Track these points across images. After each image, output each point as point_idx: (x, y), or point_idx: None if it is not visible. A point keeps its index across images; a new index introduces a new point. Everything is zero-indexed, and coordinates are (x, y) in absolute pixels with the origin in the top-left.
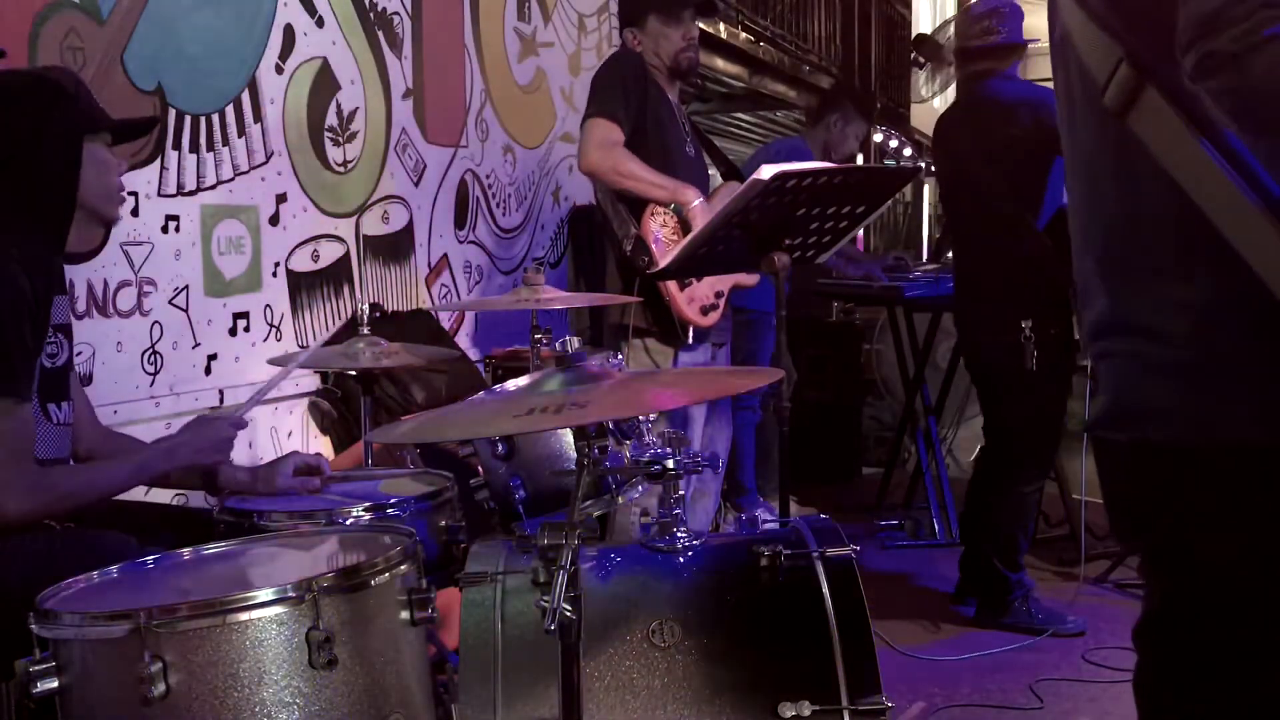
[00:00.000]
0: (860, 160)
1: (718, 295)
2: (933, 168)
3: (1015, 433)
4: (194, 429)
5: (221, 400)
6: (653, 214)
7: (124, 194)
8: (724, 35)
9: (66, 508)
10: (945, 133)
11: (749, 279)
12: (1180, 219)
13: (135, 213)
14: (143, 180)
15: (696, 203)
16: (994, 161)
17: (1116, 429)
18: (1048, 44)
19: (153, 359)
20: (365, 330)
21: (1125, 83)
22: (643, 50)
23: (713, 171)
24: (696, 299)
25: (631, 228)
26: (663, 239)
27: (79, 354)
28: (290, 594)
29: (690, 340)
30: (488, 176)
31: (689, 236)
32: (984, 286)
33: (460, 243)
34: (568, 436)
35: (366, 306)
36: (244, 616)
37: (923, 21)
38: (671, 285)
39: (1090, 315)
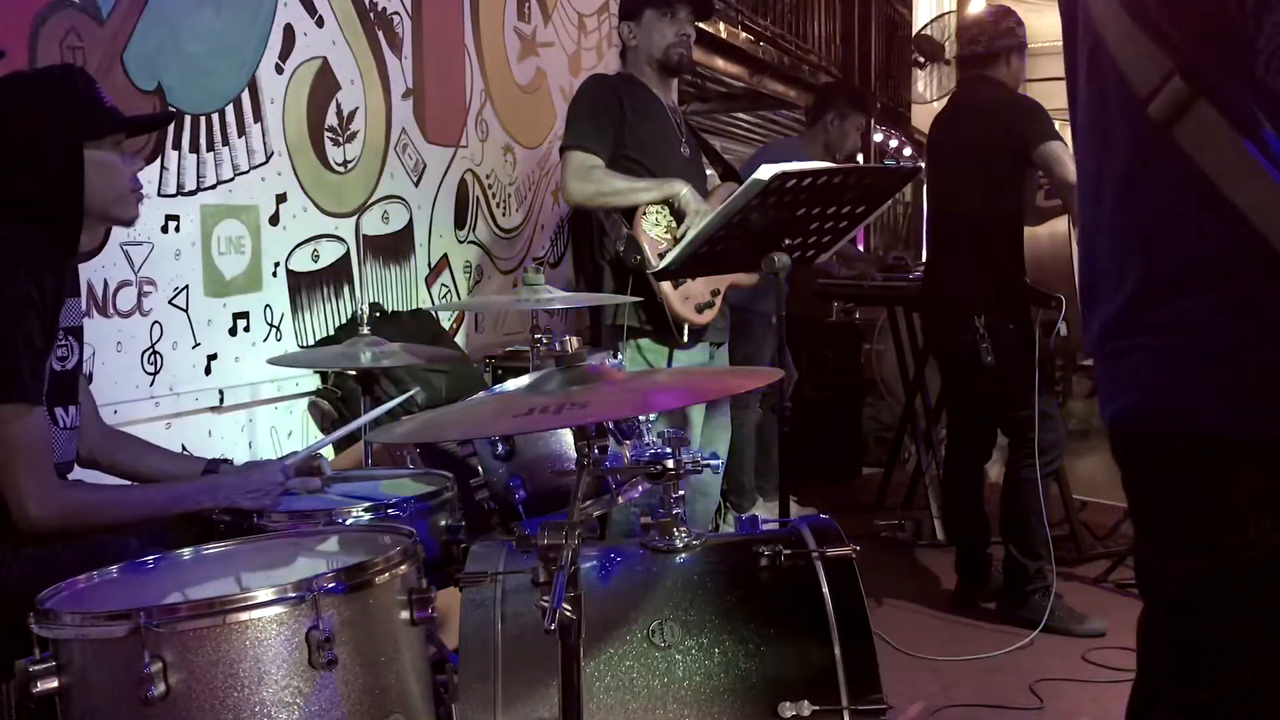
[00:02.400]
0: (860, 160)
1: (714, 293)
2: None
3: (984, 424)
4: (242, 472)
5: (221, 400)
6: (644, 213)
7: (141, 192)
8: (724, 35)
9: (90, 524)
10: (932, 132)
11: (746, 277)
12: (1225, 223)
13: None
14: (143, 180)
15: (685, 191)
16: (962, 162)
17: (1149, 422)
18: (1045, 44)
19: (153, 359)
20: (365, 330)
21: (1176, 95)
22: (637, 45)
23: (710, 172)
24: (691, 297)
25: (624, 228)
26: (655, 237)
27: None
28: (290, 594)
29: (685, 339)
30: (488, 176)
31: (682, 229)
32: (943, 282)
33: (460, 243)
34: (568, 436)
35: (366, 306)
36: (244, 616)
37: (923, 21)
38: (665, 284)
39: (1104, 315)
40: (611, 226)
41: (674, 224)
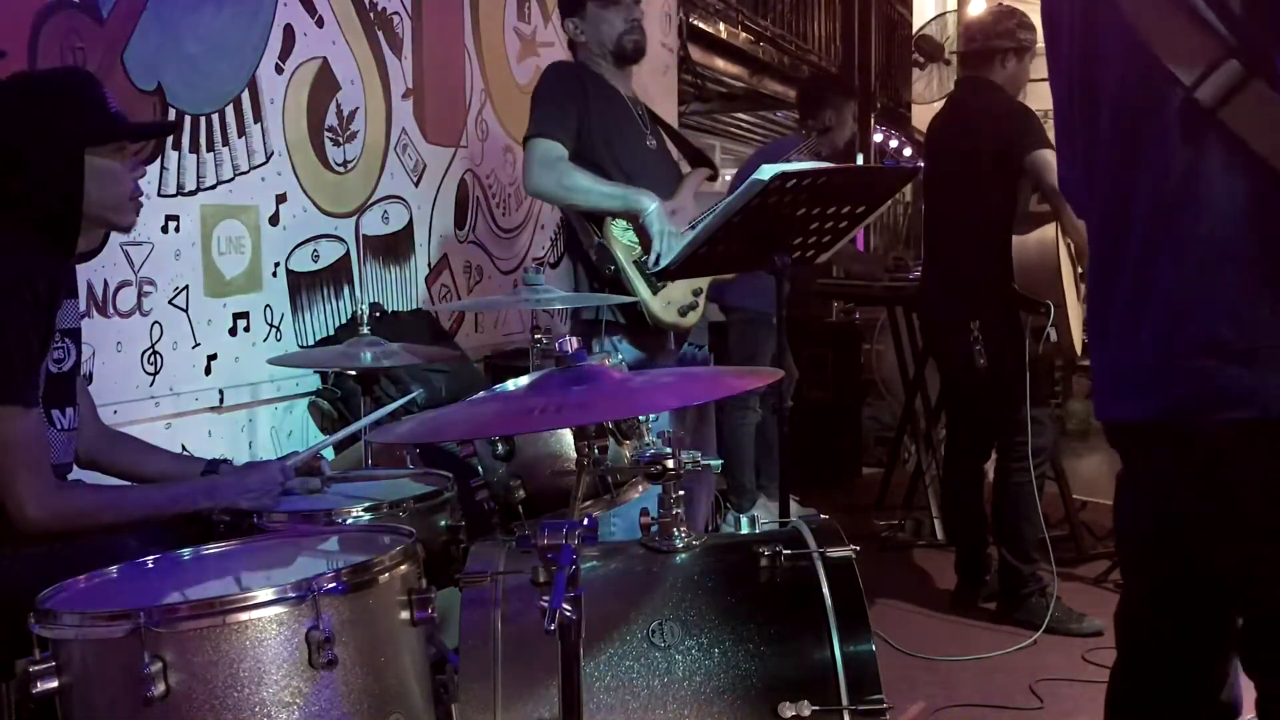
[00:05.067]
0: (860, 160)
1: (695, 293)
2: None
3: (981, 426)
4: (242, 472)
5: (221, 400)
6: (613, 220)
7: (140, 199)
8: (724, 35)
9: (89, 524)
10: (929, 133)
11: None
12: (1264, 210)
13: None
14: (143, 180)
15: (653, 208)
16: (955, 165)
17: (1199, 415)
18: (1042, 45)
19: (153, 359)
20: (365, 330)
21: (1229, 77)
22: (586, 40)
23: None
24: (674, 301)
25: (595, 236)
26: (627, 243)
27: None
28: (290, 594)
29: (671, 346)
30: (488, 177)
31: (653, 255)
32: (939, 284)
33: (460, 243)
34: (568, 436)
35: (366, 306)
36: (244, 616)
37: (923, 21)
38: (643, 291)
39: (1151, 316)
40: (583, 234)
41: (640, 235)
